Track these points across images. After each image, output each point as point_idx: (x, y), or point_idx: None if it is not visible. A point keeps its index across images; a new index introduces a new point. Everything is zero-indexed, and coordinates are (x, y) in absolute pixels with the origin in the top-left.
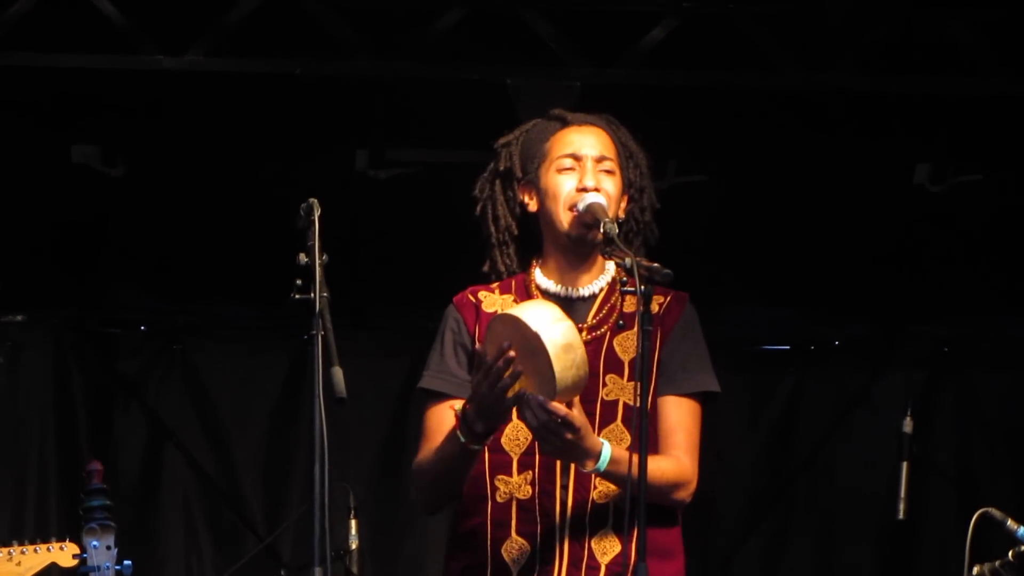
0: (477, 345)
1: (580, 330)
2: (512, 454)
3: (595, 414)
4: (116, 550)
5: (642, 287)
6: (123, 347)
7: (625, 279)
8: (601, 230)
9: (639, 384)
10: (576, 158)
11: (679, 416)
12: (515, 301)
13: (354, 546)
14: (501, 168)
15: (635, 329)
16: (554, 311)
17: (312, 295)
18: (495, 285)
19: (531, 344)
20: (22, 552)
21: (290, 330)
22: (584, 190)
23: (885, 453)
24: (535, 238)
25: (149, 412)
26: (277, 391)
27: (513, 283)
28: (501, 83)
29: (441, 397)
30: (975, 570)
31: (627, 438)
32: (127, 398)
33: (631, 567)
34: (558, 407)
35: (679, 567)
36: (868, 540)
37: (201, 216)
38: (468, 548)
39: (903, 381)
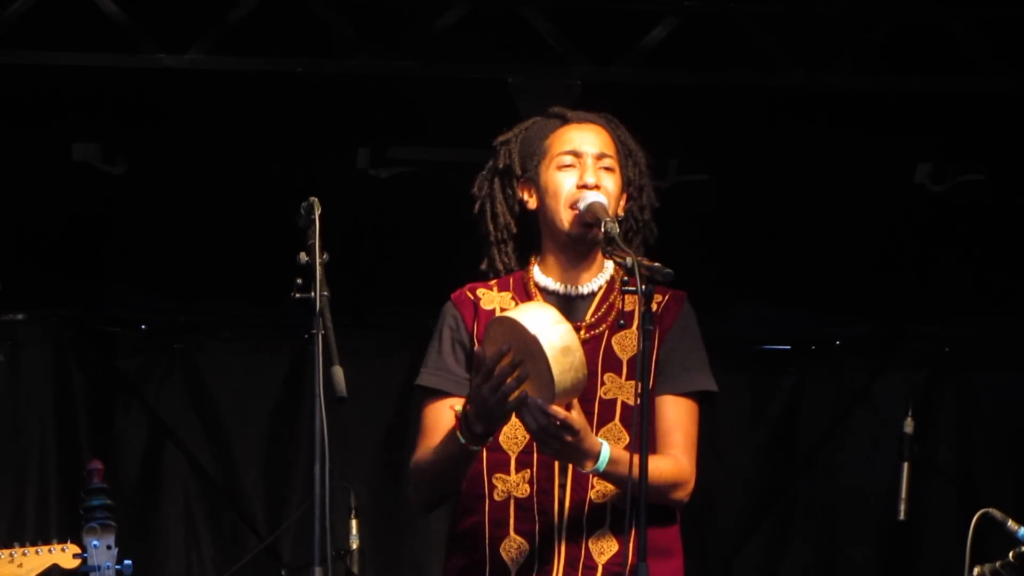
0: (476, 346)
1: (578, 328)
2: (510, 452)
3: (593, 413)
4: (116, 549)
5: (643, 287)
6: (124, 346)
7: (626, 278)
8: (602, 229)
9: (639, 384)
10: (576, 155)
11: (677, 415)
12: (513, 299)
13: (355, 546)
14: (500, 166)
15: (634, 328)
16: (552, 314)
17: (313, 294)
18: (493, 282)
19: (529, 347)
20: (23, 553)
21: (291, 329)
22: (585, 187)
23: (886, 453)
24: (533, 236)
25: (149, 411)
26: (277, 390)
27: (511, 281)
28: (502, 81)
29: (439, 394)
30: (975, 571)
31: (625, 437)
32: (128, 397)
33: (630, 567)
34: (558, 410)
35: (678, 566)
36: (869, 540)
37: (202, 215)
38: (466, 547)
39: (904, 381)
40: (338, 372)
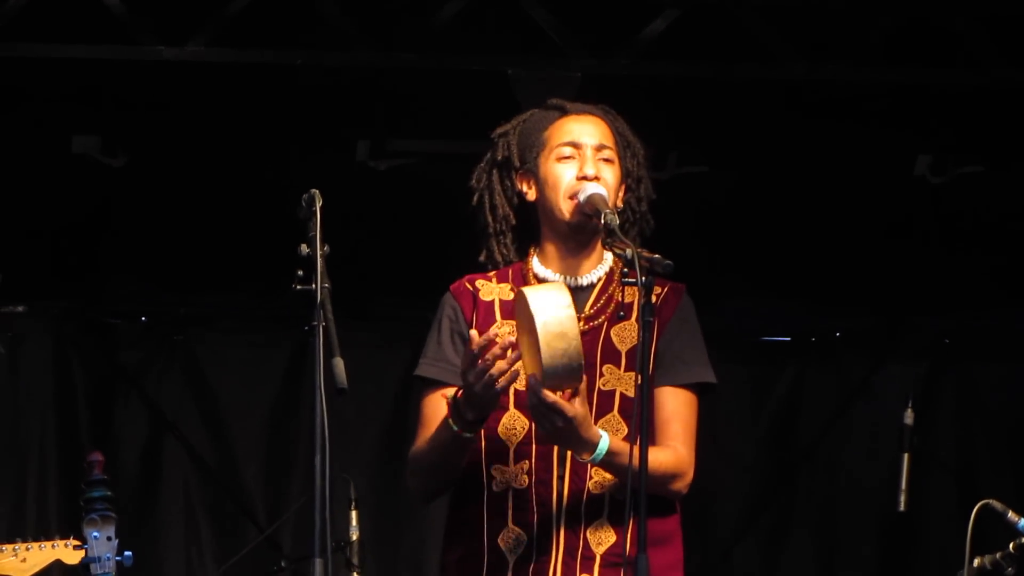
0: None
1: (578, 319)
2: (509, 443)
3: (592, 404)
4: (117, 541)
5: (643, 278)
6: (124, 338)
7: (625, 270)
8: (602, 221)
9: (639, 375)
10: (576, 146)
11: (676, 407)
12: (512, 290)
13: (355, 537)
14: (499, 158)
15: (633, 320)
16: (562, 299)
17: (313, 286)
18: (492, 274)
19: (531, 325)
20: (27, 548)
21: (291, 321)
22: (584, 178)
23: (886, 445)
24: (531, 228)
25: (150, 403)
26: (278, 382)
27: (511, 272)
28: (502, 74)
29: (438, 385)
30: (976, 562)
31: (623, 428)
32: (128, 389)
33: (629, 557)
34: (547, 395)
35: (677, 556)
36: (869, 532)
37: (202, 206)
38: (464, 537)
39: (904, 373)
40: (339, 364)
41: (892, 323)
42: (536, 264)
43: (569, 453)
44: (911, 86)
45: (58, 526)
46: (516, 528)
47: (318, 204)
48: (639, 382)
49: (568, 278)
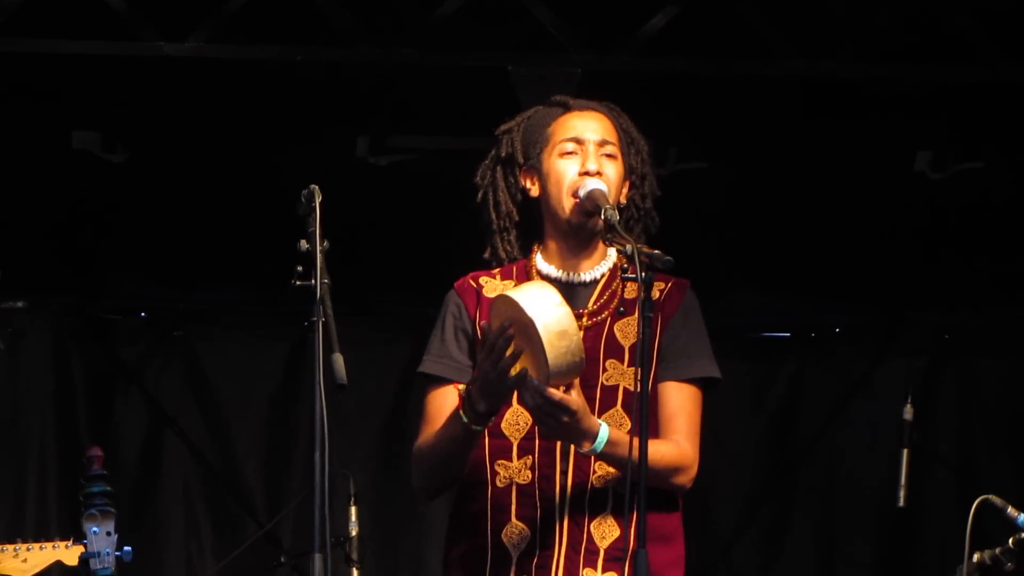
0: (479, 333)
1: (581, 315)
2: (512, 439)
3: (595, 399)
4: (116, 536)
5: (643, 274)
6: (123, 333)
7: (626, 266)
8: (602, 217)
9: (639, 370)
10: (579, 142)
11: (680, 401)
12: (516, 286)
13: (354, 533)
14: (503, 154)
15: (636, 315)
16: (552, 297)
17: (313, 281)
18: (496, 271)
19: (527, 329)
20: (27, 549)
21: (291, 316)
22: (587, 174)
23: (885, 440)
24: (536, 224)
25: (149, 398)
26: (277, 377)
27: (514, 269)
28: (502, 70)
29: (441, 382)
30: (975, 557)
31: (627, 423)
32: (127, 384)
33: (630, 552)
34: (553, 392)
35: (679, 552)
36: (868, 527)
37: (202, 202)
38: (469, 533)
39: (904, 368)
40: (338, 359)
41: (892, 319)
42: (540, 260)
43: (572, 448)
44: (911, 82)
45: (58, 521)
46: (520, 523)
47: (317, 200)
48: (639, 377)
49: (571, 274)
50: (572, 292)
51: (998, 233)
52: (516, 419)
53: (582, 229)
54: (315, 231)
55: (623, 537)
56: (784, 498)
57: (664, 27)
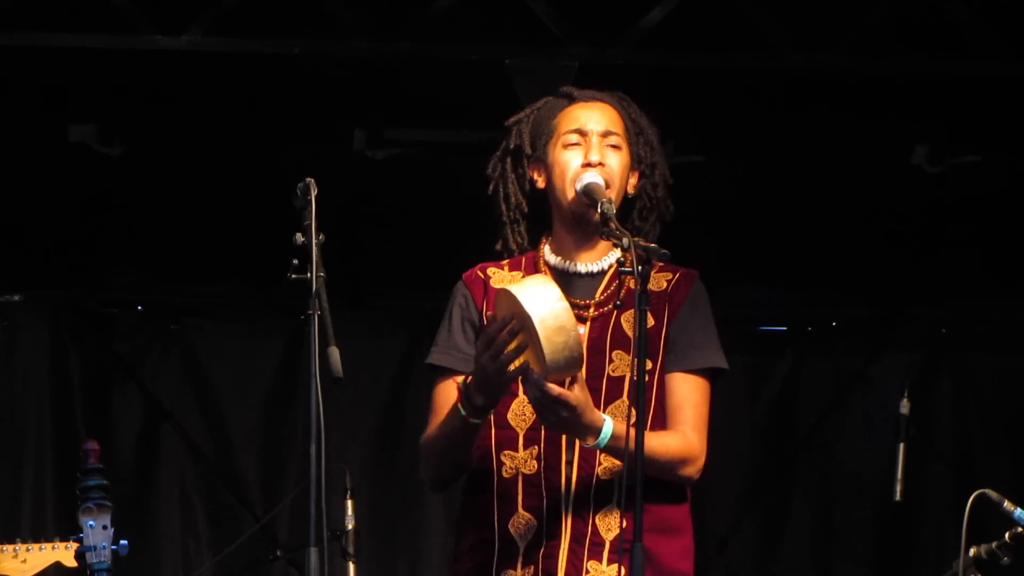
0: (488, 315)
1: (588, 306)
2: (518, 429)
3: (601, 390)
4: (113, 529)
5: (639, 267)
6: (120, 327)
7: (622, 259)
8: (599, 210)
9: (635, 362)
10: (582, 133)
11: (687, 392)
12: (523, 278)
13: (350, 526)
14: (511, 146)
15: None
16: (551, 291)
17: (309, 275)
18: (505, 262)
19: (527, 323)
20: (27, 550)
21: (287, 310)
22: (589, 165)
23: (882, 434)
24: (545, 215)
25: (146, 392)
26: (274, 371)
27: (524, 260)
28: (499, 63)
29: (449, 373)
30: (972, 551)
31: (633, 414)
32: (124, 378)
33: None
34: (552, 387)
35: (687, 544)
36: (865, 521)
37: (198, 196)
38: (476, 524)
39: (901, 363)
40: (334, 353)
41: (889, 313)
42: (548, 252)
43: (577, 440)
44: (908, 75)
45: (54, 515)
46: (526, 514)
47: (313, 193)
48: (634, 371)
49: (579, 265)
50: (580, 283)
51: (995, 227)
52: (522, 409)
53: (583, 220)
54: (311, 224)
55: (629, 529)
56: (781, 492)
57: (661, 21)
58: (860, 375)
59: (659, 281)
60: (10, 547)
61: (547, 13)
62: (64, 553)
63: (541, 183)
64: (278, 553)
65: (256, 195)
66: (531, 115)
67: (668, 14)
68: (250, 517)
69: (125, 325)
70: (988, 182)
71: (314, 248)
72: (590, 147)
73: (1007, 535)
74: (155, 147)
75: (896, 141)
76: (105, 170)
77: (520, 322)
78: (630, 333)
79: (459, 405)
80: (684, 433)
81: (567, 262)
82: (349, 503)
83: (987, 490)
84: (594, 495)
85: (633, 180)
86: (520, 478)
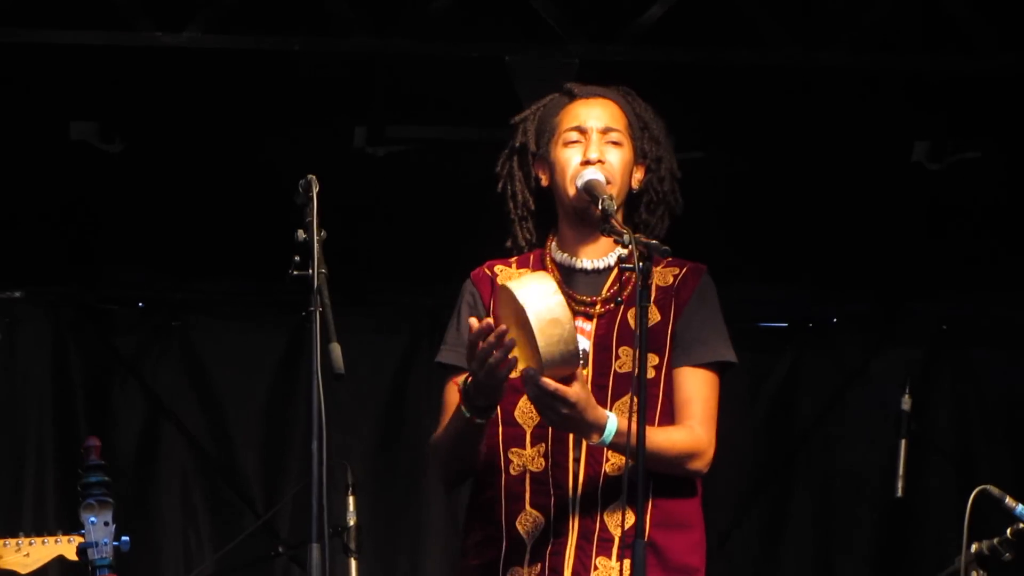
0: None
1: (594, 303)
2: (525, 427)
3: (607, 387)
4: (114, 526)
5: (639, 263)
6: (121, 324)
7: (623, 255)
8: (599, 207)
9: (636, 358)
10: (582, 131)
11: (695, 386)
12: (519, 278)
13: (352, 522)
14: (517, 144)
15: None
16: (547, 286)
17: (310, 271)
18: (513, 259)
19: (522, 317)
20: (30, 544)
21: (288, 306)
22: (588, 163)
23: (883, 431)
24: (553, 212)
25: (147, 389)
26: (275, 367)
27: (531, 257)
28: (499, 60)
29: (457, 371)
30: (973, 547)
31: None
32: (125, 375)
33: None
34: (548, 382)
35: (698, 539)
36: (866, 518)
37: (199, 193)
38: (484, 521)
39: (901, 359)
40: (336, 349)
41: (889, 309)
42: (554, 249)
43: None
44: (908, 72)
45: (55, 511)
46: (534, 511)
47: (315, 190)
48: (636, 368)
49: (585, 262)
50: (585, 280)
51: (995, 223)
52: (530, 407)
53: (588, 218)
54: (312, 221)
55: (637, 525)
56: (782, 488)
57: (661, 17)
58: (861, 371)
59: (666, 276)
60: (13, 541)
61: (547, 10)
62: (67, 547)
63: (545, 181)
64: (280, 549)
65: (257, 192)
66: (535, 113)
67: (668, 10)
68: (251, 513)
69: (126, 321)
70: (988, 178)
71: (315, 244)
72: (590, 144)
73: (1008, 531)
74: (156, 144)
75: (896, 137)
76: (106, 167)
77: (519, 317)
78: (638, 329)
79: (462, 406)
80: (691, 427)
81: (572, 259)
82: (350, 499)
83: (988, 486)
84: (602, 492)
85: (638, 175)
86: (527, 476)
